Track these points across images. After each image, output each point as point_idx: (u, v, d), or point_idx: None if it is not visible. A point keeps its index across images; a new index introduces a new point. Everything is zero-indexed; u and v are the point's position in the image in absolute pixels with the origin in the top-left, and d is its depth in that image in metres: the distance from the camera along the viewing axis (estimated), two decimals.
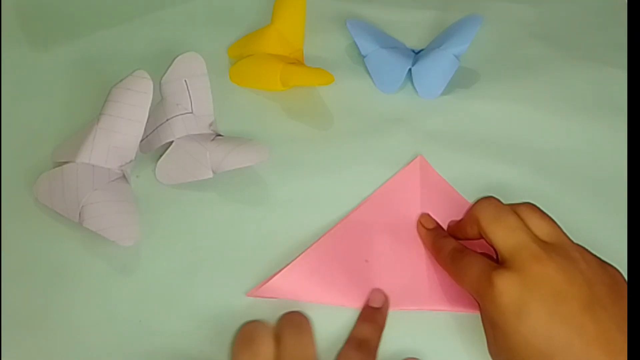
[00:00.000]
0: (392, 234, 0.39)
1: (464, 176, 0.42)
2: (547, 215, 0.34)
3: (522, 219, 0.33)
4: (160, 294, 0.38)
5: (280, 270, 0.37)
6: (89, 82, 0.47)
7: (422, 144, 0.43)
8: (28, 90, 0.47)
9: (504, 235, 0.32)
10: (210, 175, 0.40)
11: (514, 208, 0.34)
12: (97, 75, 0.47)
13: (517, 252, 0.31)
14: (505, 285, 0.31)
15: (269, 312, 0.36)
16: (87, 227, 0.38)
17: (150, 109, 0.40)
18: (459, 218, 0.38)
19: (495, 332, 0.31)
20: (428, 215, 0.39)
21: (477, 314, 0.35)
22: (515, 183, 0.42)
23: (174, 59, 0.43)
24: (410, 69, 0.45)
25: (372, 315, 0.36)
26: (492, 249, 0.34)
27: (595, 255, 0.33)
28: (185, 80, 0.42)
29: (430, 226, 0.39)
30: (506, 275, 0.31)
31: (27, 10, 0.51)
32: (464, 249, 0.35)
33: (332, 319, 0.36)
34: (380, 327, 0.35)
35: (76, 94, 0.46)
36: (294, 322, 0.33)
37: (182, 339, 0.36)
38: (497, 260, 0.34)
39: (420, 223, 0.39)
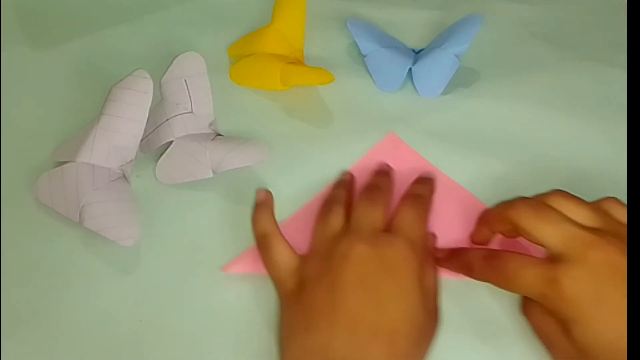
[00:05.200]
0: None
1: (464, 175, 0.42)
2: (581, 200, 0.33)
3: (559, 210, 0.32)
4: (160, 293, 0.38)
5: (251, 247, 0.38)
6: (89, 81, 0.47)
7: (423, 143, 0.43)
8: (28, 90, 0.47)
9: (551, 230, 0.32)
10: (210, 174, 0.40)
11: (546, 199, 0.33)
12: (97, 75, 0.47)
13: (570, 244, 0.31)
14: (574, 279, 0.30)
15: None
16: (88, 227, 0.38)
17: (150, 108, 0.40)
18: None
19: (572, 326, 0.31)
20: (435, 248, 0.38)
21: (459, 278, 0.36)
22: (514, 182, 0.42)
23: (174, 58, 0.43)
24: (410, 69, 0.45)
25: (425, 179, 0.40)
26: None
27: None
28: (185, 80, 0.42)
29: (443, 254, 0.37)
30: (570, 269, 0.30)
31: (27, 10, 0.51)
32: (496, 252, 0.34)
33: None
34: (431, 188, 0.39)
35: (76, 93, 0.46)
36: (369, 197, 0.37)
37: (182, 338, 0.36)
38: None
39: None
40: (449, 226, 0.39)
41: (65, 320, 0.37)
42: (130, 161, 0.40)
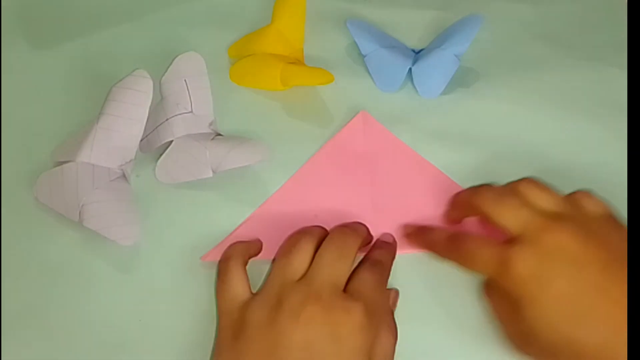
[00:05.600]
0: (339, 188, 0.41)
1: (464, 175, 0.42)
2: (548, 187, 0.34)
3: (523, 196, 0.33)
4: (160, 293, 0.38)
5: (232, 232, 0.39)
6: (89, 81, 0.47)
7: (423, 143, 0.43)
8: (28, 90, 0.46)
9: (509, 214, 0.33)
10: (210, 174, 0.40)
11: (513, 186, 0.34)
12: (97, 75, 0.47)
13: (527, 227, 0.32)
14: (522, 259, 0.31)
15: None
16: (87, 226, 0.38)
17: (150, 108, 0.40)
18: (403, 167, 0.41)
19: (519, 306, 0.31)
20: (404, 225, 0.39)
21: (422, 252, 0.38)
22: None
23: (174, 58, 0.43)
24: (410, 69, 0.45)
25: (385, 244, 0.38)
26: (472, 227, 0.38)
27: (604, 215, 0.33)
28: (185, 80, 0.42)
29: (410, 230, 0.39)
30: (521, 250, 0.31)
31: (27, 10, 0.51)
32: (458, 233, 0.35)
33: None
34: (392, 254, 0.37)
35: (76, 93, 0.46)
36: (339, 243, 0.34)
37: (182, 338, 0.36)
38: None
39: (403, 235, 0.39)
40: (425, 206, 0.40)
41: (65, 320, 0.37)
42: (130, 161, 0.40)
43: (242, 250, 0.36)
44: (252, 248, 0.37)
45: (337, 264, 0.33)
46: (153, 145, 0.42)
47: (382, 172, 0.42)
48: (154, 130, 0.42)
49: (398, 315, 0.36)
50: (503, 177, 0.42)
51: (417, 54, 0.47)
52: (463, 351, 0.36)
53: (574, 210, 0.33)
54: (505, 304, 0.33)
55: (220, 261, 0.36)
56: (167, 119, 0.41)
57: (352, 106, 0.45)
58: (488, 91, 0.46)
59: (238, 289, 0.34)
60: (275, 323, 0.31)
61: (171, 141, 0.41)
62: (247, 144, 0.41)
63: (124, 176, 0.40)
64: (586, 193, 0.35)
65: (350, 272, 0.34)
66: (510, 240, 0.32)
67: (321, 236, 0.35)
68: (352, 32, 0.47)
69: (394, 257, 0.38)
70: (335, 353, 0.30)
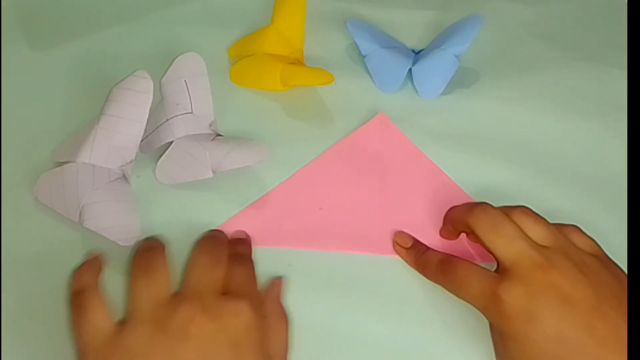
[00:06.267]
0: (348, 184, 0.41)
1: (464, 176, 0.42)
2: (542, 218, 0.34)
3: (518, 225, 0.33)
4: None
5: (235, 215, 0.40)
6: (89, 82, 0.47)
7: (422, 143, 0.43)
8: (28, 90, 0.46)
9: (503, 245, 0.32)
10: (210, 175, 0.40)
11: (508, 213, 0.34)
12: (97, 75, 0.47)
13: (519, 261, 0.31)
14: (512, 296, 0.31)
15: None
16: (87, 226, 0.38)
17: (150, 109, 0.40)
18: (415, 173, 0.41)
19: (506, 340, 0.31)
20: (403, 232, 0.39)
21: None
22: (515, 183, 0.42)
23: (174, 59, 0.43)
24: (410, 69, 0.45)
25: (241, 240, 0.38)
26: (470, 252, 0.38)
27: (593, 253, 0.33)
28: (185, 80, 0.42)
29: (408, 244, 0.38)
30: (511, 286, 0.31)
31: (27, 10, 0.51)
32: (451, 258, 0.35)
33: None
34: (250, 248, 0.38)
35: (76, 93, 0.46)
36: (210, 250, 0.34)
37: None
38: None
39: (397, 243, 0.39)
40: (432, 214, 0.40)
41: (65, 319, 0.37)
42: (131, 161, 0.40)
43: (93, 277, 0.34)
44: (98, 267, 0.35)
45: (212, 270, 0.33)
46: (153, 146, 0.42)
47: (393, 174, 0.42)
48: (154, 130, 0.42)
49: (394, 314, 0.36)
50: (503, 177, 0.42)
51: (417, 54, 0.47)
52: (459, 351, 0.36)
53: (565, 245, 0.33)
54: (496, 334, 0.33)
55: (74, 294, 0.33)
56: (167, 120, 0.41)
57: (352, 106, 0.45)
58: (488, 91, 0.46)
59: (101, 320, 0.31)
60: (161, 346, 0.29)
61: (171, 142, 0.41)
62: (247, 144, 0.41)
63: (124, 177, 0.40)
64: (576, 229, 0.34)
65: (224, 273, 0.33)
66: (500, 273, 0.32)
67: (164, 249, 0.34)
68: (352, 32, 0.47)
69: (251, 250, 0.38)
70: (235, 358, 0.29)
